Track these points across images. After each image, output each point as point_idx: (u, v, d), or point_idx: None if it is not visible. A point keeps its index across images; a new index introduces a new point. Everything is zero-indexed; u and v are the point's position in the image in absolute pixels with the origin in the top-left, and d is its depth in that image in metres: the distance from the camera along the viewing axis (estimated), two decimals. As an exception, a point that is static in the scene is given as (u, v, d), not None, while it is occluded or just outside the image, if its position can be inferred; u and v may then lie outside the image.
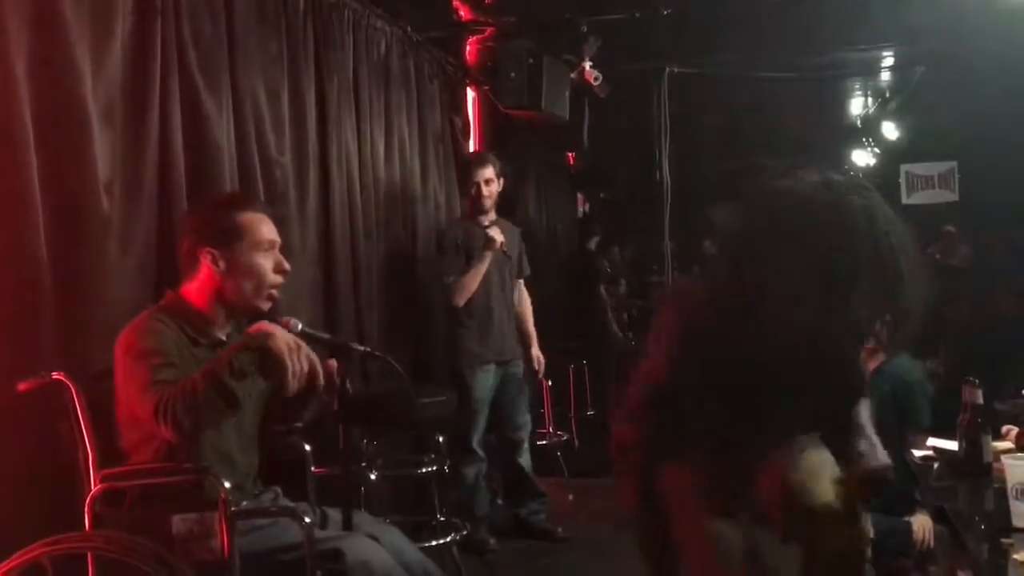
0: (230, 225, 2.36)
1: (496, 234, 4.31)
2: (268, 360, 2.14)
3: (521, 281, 4.67)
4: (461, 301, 4.27)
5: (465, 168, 4.57)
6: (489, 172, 4.39)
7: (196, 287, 2.36)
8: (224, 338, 2.40)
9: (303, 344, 2.19)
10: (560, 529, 4.53)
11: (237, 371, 2.11)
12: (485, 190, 4.37)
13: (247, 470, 2.42)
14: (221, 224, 2.36)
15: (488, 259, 4.29)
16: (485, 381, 4.33)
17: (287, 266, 2.44)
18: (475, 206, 4.42)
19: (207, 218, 2.42)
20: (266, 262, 2.38)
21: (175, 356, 2.22)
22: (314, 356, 2.22)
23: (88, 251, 2.51)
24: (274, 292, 2.41)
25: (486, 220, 4.39)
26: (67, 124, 2.45)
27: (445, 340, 4.46)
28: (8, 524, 2.23)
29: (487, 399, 4.35)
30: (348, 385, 2.40)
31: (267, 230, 2.41)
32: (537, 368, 4.71)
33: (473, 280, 4.27)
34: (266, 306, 2.42)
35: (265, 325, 2.20)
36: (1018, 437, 2.52)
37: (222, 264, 2.33)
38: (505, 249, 4.38)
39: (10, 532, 2.17)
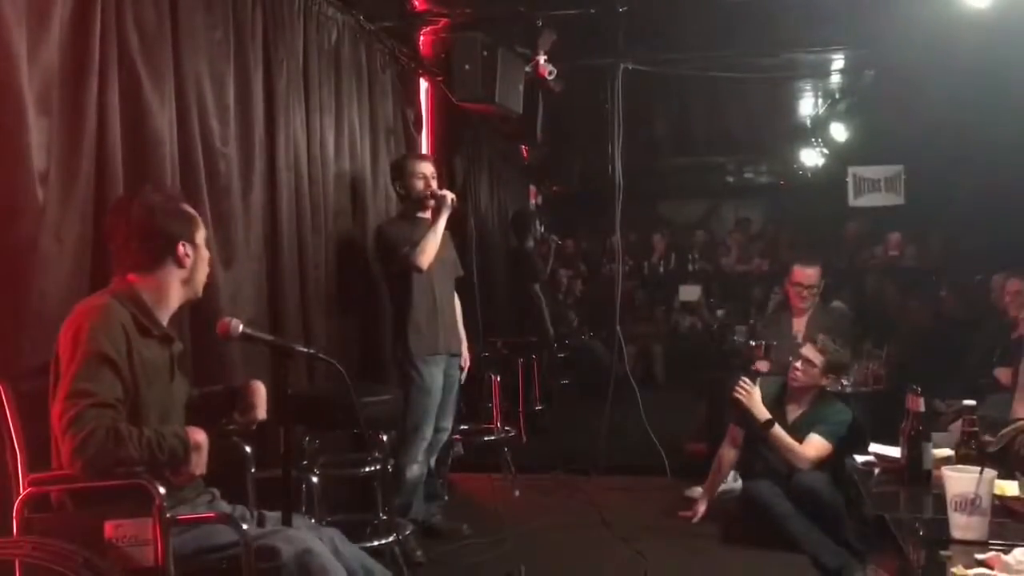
0: (189, 216, 2.36)
1: (446, 192, 4.18)
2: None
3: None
4: (425, 263, 4.09)
5: (401, 165, 4.39)
6: (432, 168, 4.31)
7: (157, 280, 2.30)
8: (172, 334, 2.37)
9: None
10: (465, 526, 4.38)
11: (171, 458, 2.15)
12: (433, 184, 4.25)
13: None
14: (185, 216, 2.36)
15: (445, 218, 4.15)
16: (437, 373, 4.20)
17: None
18: (415, 203, 4.26)
19: (174, 210, 2.36)
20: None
21: (123, 360, 2.14)
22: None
23: (21, 243, 2.41)
24: None
25: (424, 216, 4.22)
26: (0, 111, 2.35)
27: (393, 336, 4.32)
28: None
29: (439, 391, 4.19)
30: (288, 388, 2.35)
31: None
32: (463, 367, 4.50)
33: (432, 242, 4.10)
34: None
35: (201, 435, 2.23)
36: (958, 445, 2.55)
37: (192, 256, 2.34)
38: (457, 205, 4.26)
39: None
